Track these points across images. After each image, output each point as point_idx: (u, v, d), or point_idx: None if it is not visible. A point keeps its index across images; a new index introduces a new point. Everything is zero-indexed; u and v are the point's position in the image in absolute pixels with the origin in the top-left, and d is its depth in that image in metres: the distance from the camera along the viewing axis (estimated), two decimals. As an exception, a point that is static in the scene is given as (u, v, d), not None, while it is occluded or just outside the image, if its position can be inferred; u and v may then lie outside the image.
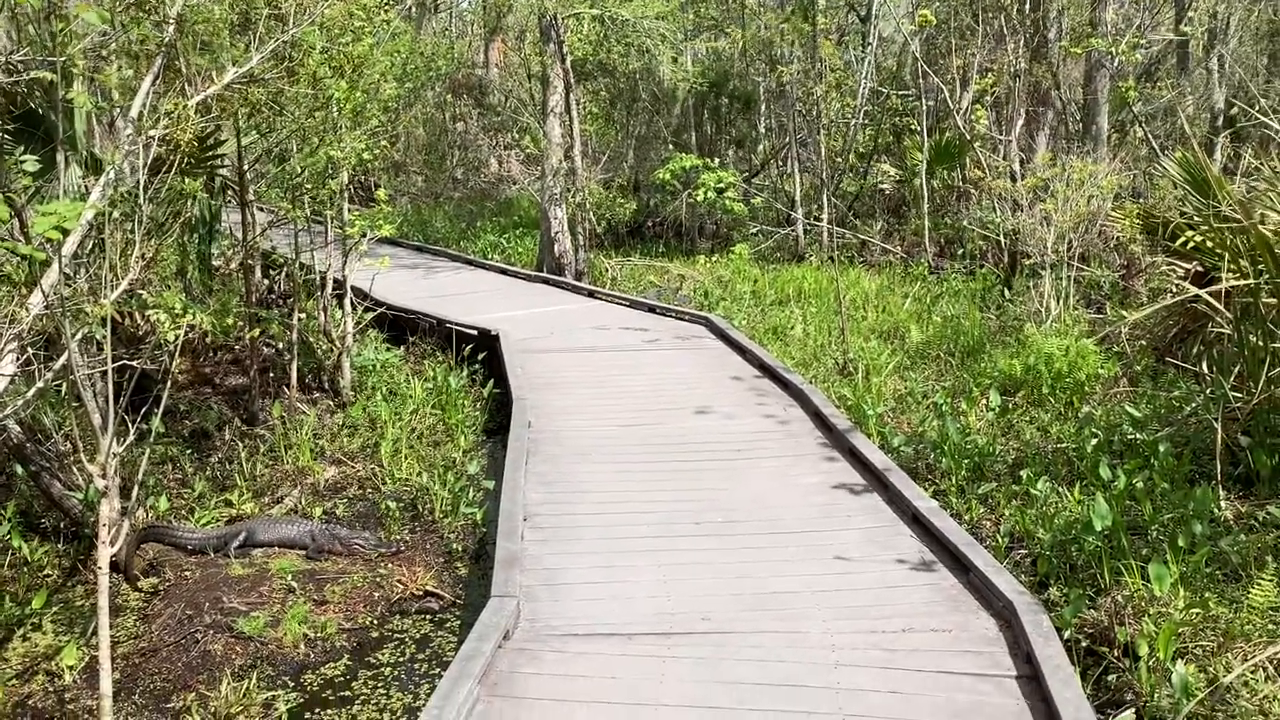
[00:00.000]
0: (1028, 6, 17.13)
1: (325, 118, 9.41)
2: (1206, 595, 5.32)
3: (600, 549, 6.19)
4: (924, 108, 19.09)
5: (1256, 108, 14.29)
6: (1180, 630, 5.02)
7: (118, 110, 7.16)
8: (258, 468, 8.85)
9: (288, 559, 7.23)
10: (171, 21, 6.26)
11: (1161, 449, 7.24)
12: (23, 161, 5.02)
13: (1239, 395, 7.30)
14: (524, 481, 7.20)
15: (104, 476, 5.14)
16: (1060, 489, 7.22)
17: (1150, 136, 17.05)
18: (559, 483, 7.37)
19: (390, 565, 7.28)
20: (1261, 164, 8.76)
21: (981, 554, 5.75)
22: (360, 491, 8.69)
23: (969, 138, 16.85)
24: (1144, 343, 9.83)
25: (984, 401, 9.40)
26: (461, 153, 26.70)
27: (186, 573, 7.12)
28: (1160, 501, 6.60)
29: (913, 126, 20.16)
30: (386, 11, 10.31)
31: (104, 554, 5.05)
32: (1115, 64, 16.34)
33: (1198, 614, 5.17)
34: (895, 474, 7.13)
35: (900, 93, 20.88)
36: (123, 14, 6.19)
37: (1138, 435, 7.82)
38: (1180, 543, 5.74)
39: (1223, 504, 6.48)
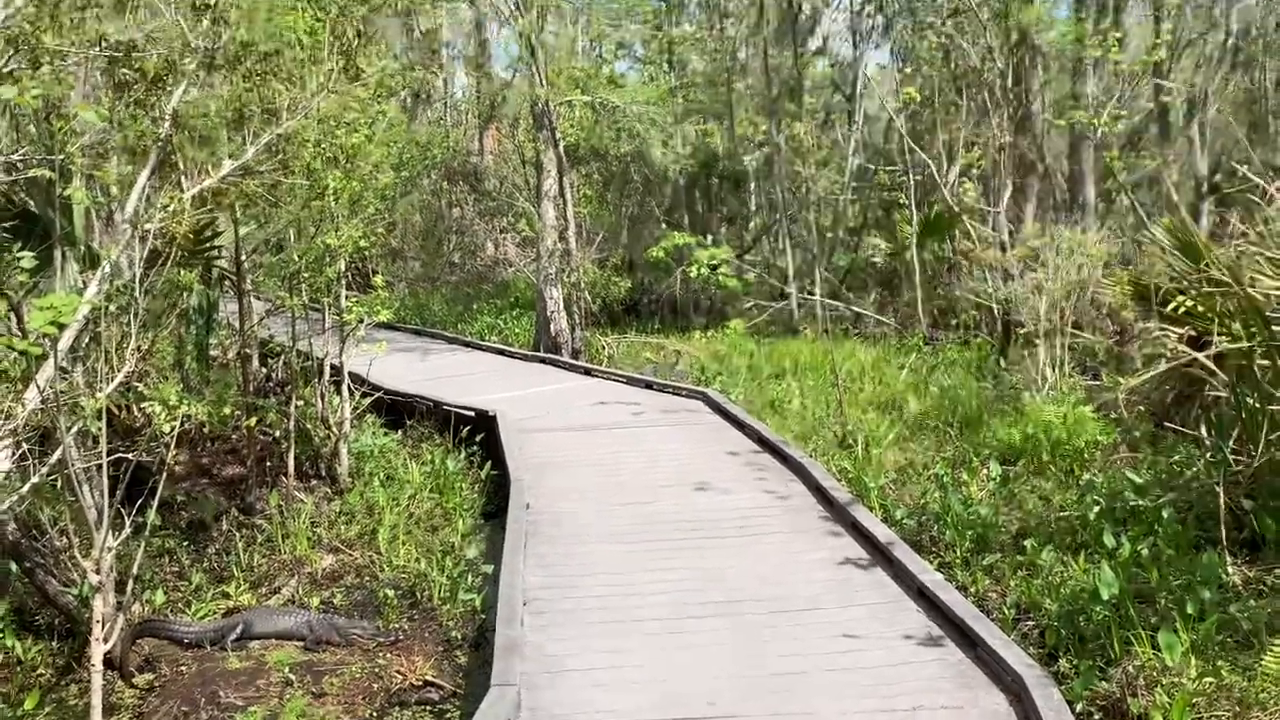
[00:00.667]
0: (1010, 81, 17.51)
1: (321, 207, 9.53)
2: (1219, 663, 5.24)
3: (602, 633, 6.10)
4: (911, 182, 19.39)
5: (1249, 169, 14.48)
6: (1194, 700, 4.93)
7: (115, 205, 7.26)
8: (255, 558, 8.76)
9: (285, 650, 7.11)
10: (167, 118, 6.38)
11: (1165, 515, 7.19)
12: (20, 258, 5.06)
13: (1239, 458, 7.28)
14: (523, 565, 7.12)
15: (98, 572, 5.09)
16: (1065, 558, 7.15)
17: (1136, 204, 17.28)
18: (559, 565, 7.29)
19: (389, 655, 7.15)
20: (1248, 229, 8.86)
21: (989, 627, 5.67)
22: (358, 580, 8.58)
23: (957, 210, 17.08)
24: (1141, 408, 9.83)
25: (984, 471, 9.36)
26: (458, 237, 26.98)
27: (183, 667, 7.00)
28: (1166, 568, 6.53)
29: (901, 201, 20.46)
30: (381, 103, 10.50)
31: (97, 651, 4.97)
32: (1098, 135, 16.64)
33: (1211, 683, 5.08)
34: (899, 548, 7.07)
35: (888, 168, 21.22)
36: (121, 111, 6.31)
37: (1140, 501, 7.77)
38: (1189, 610, 5.67)
39: (1230, 569, 6.42)
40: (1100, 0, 19.06)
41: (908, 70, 22.11)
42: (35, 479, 5.18)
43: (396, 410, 13.00)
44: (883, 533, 7.41)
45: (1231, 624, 5.73)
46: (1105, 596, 5.87)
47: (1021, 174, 17.47)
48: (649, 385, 14.02)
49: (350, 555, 8.92)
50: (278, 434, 10.81)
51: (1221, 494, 6.79)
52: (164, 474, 6.44)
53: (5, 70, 5.29)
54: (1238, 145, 20.07)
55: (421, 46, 28.07)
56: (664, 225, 22.32)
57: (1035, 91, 17.32)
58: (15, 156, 6.21)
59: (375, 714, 6.45)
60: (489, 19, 25.22)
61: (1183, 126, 20.16)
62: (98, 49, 6.14)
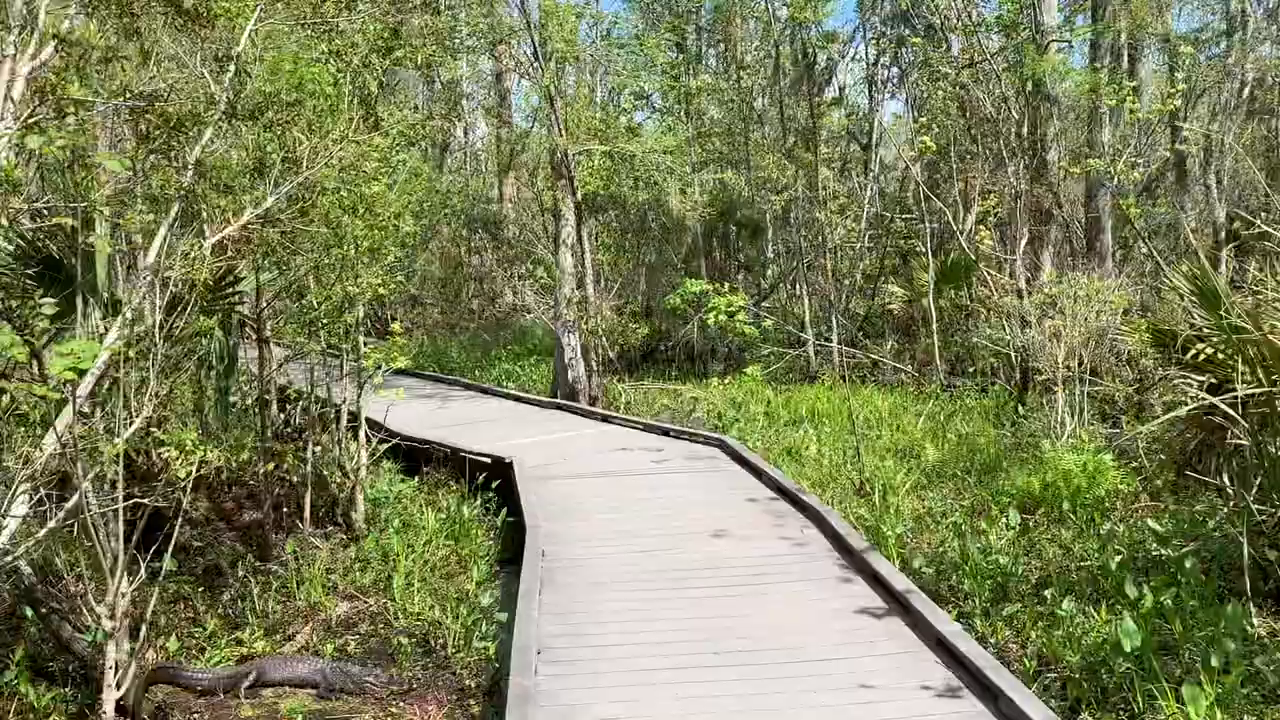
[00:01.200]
0: (1025, 130, 17.58)
1: (341, 255, 9.61)
2: (1245, 717, 5.14)
3: (617, 682, 6.04)
4: (928, 230, 19.43)
5: (1267, 216, 14.45)
6: (1220, 756, 4.83)
7: (138, 252, 7.35)
8: (270, 604, 8.73)
9: (298, 699, 7.07)
10: (190, 167, 6.48)
11: (1188, 565, 7.08)
12: (42, 305, 5.13)
13: (1263, 508, 7.18)
14: (537, 613, 7.07)
15: (112, 617, 5.09)
16: (1086, 609, 7.04)
17: (1154, 251, 17.25)
18: (574, 613, 7.23)
19: (402, 703, 7.10)
20: (1267, 275, 8.81)
21: (1009, 679, 5.58)
22: (372, 627, 8.54)
23: (974, 258, 17.08)
24: (1162, 456, 9.73)
25: (1003, 520, 9.27)
26: (477, 284, 27.22)
27: (195, 715, 6.95)
28: (1190, 620, 6.43)
29: (918, 248, 20.50)
30: (401, 152, 10.64)
31: (109, 698, 4.96)
32: (1115, 182, 16.66)
33: (1237, 738, 4.99)
34: (917, 597, 6.98)
35: (904, 216, 21.30)
36: (144, 161, 6.41)
37: (1162, 551, 7.68)
38: (1214, 663, 5.56)
39: (1255, 621, 6.31)
40: (1115, 50, 19.20)
41: (923, 120, 22.27)
42: (52, 524, 5.20)
43: (413, 456, 13.01)
44: (901, 582, 7.32)
45: (1257, 677, 5.63)
46: (1128, 648, 5.78)
47: (1038, 221, 17.47)
48: (666, 432, 13.98)
49: (365, 602, 8.89)
50: (295, 480, 10.83)
51: (1245, 544, 6.69)
52: (180, 519, 6.45)
53: (32, 120, 5.39)
54: (1256, 192, 20.05)
55: (443, 97, 28.53)
56: (681, 272, 22.43)
57: (1051, 140, 17.37)
58: (41, 204, 6.32)
59: (387, 764, 6.40)
60: (509, 71, 25.61)
61: (1200, 174, 20.17)
62: (122, 99, 6.26)
